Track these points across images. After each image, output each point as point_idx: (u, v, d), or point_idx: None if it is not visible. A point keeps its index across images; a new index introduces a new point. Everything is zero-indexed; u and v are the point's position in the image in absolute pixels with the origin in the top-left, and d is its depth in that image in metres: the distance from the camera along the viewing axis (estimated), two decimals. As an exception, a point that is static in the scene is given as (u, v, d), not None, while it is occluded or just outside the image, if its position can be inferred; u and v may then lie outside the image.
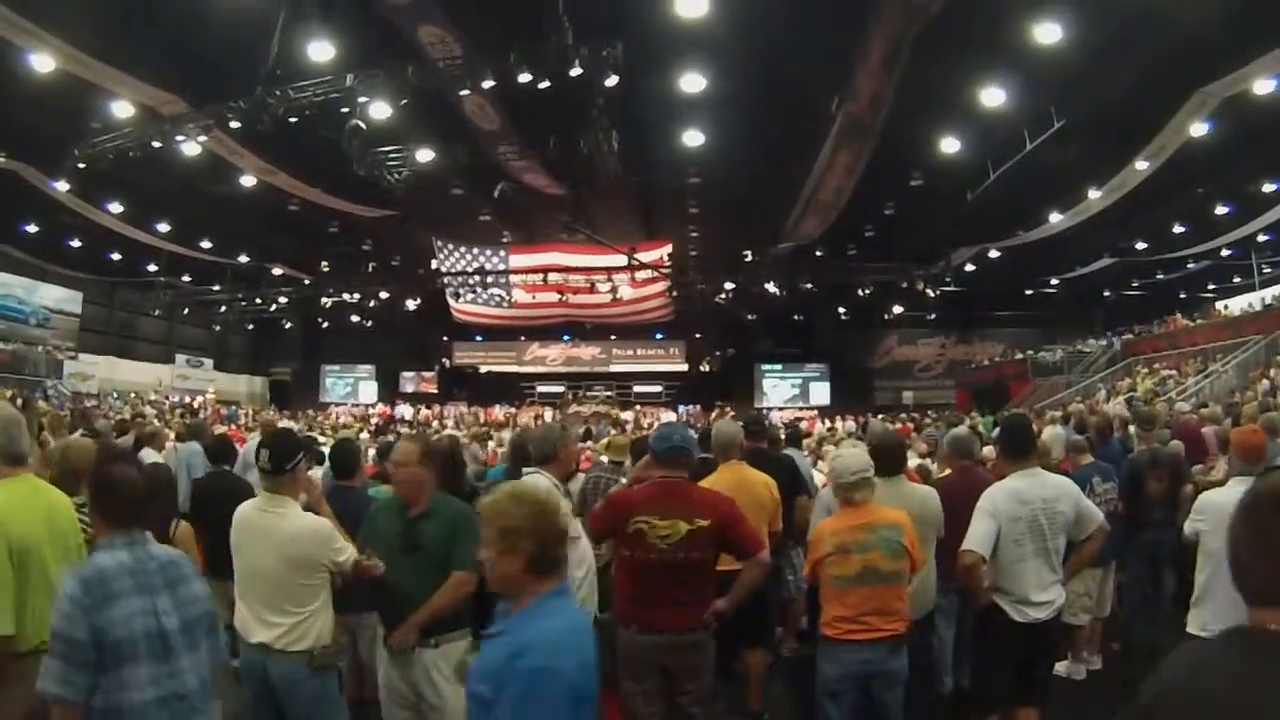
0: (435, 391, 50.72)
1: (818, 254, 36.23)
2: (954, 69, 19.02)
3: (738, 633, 6.42)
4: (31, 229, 32.30)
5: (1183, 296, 39.84)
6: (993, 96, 19.96)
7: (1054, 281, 42.13)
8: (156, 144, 20.57)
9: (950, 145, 23.37)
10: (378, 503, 5.29)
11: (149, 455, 9.14)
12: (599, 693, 2.82)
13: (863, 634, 4.97)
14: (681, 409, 45.38)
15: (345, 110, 19.33)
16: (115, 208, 28.68)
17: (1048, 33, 16.80)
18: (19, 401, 13.84)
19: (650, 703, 4.88)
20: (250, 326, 49.99)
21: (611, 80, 17.40)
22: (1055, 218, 28.65)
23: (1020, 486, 5.26)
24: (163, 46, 18.05)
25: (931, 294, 37.56)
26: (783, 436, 9.75)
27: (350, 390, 53.07)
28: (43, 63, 17.54)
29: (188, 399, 38.62)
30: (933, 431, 17.17)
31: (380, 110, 19.70)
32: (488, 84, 18.28)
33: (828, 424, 31.79)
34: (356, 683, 6.19)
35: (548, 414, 37.94)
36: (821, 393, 49.38)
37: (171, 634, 3.40)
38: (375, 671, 5.05)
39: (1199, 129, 20.34)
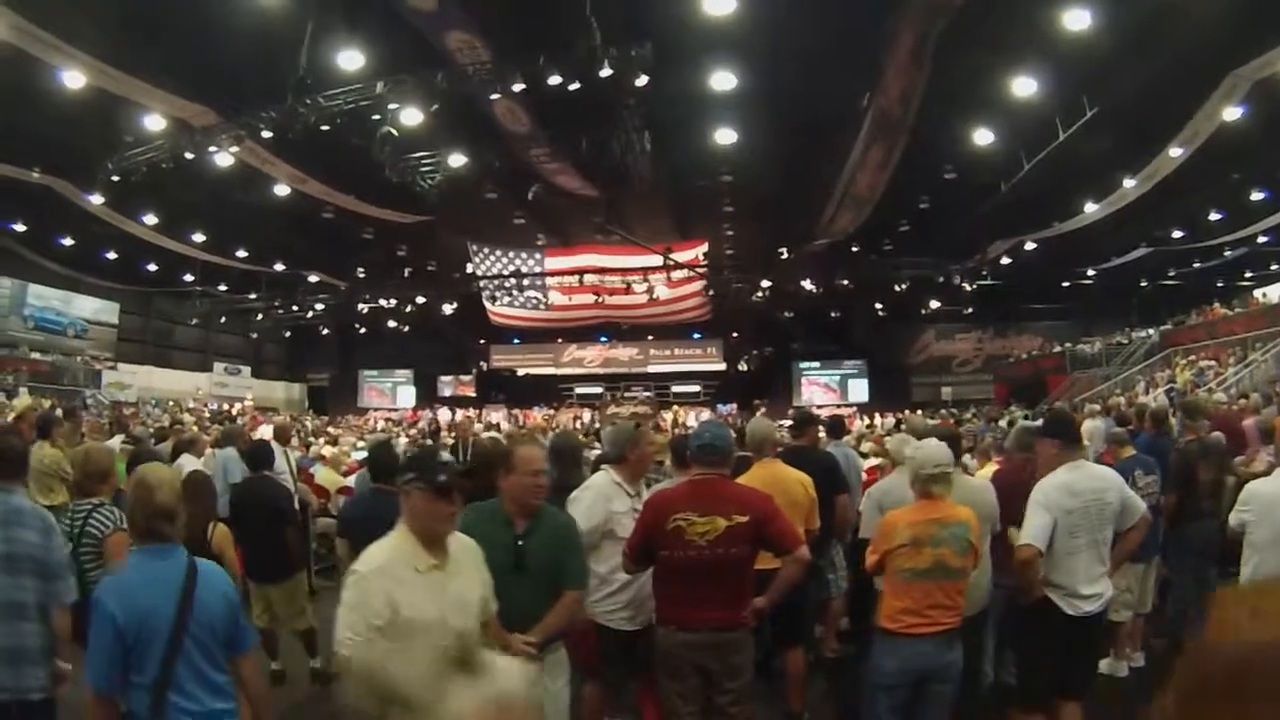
0: (473, 395, 50.77)
1: (853, 250, 36.10)
2: (984, 60, 18.87)
3: (777, 632, 6.38)
4: (67, 242, 32.72)
5: (1220, 285, 39.34)
6: (1024, 86, 19.74)
7: (1090, 273, 41.49)
8: (189, 155, 20.78)
9: (983, 137, 23.14)
10: (474, 513, 4.79)
11: (188, 461, 9.18)
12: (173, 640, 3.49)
13: (924, 627, 4.91)
14: (721, 408, 45.26)
15: (376, 117, 19.48)
16: (149, 219, 29.03)
17: (1076, 19, 16.58)
18: (58, 411, 13.90)
19: (689, 702, 4.83)
20: (287, 333, 50.34)
21: (641, 80, 17.40)
22: (1090, 208, 28.41)
23: (1071, 479, 5.21)
24: (192, 59, 18.22)
25: (968, 288, 37.41)
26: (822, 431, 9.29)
27: (389, 394, 53.47)
28: (74, 79, 17.75)
29: (226, 406, 38.87)
30: (972, 426, 17.11)
31: (411, 116, 19.82)
32: (517, 87, 18.32)
33: (866, 421, 31.72)
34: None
35: (586, 415, 38.01)
36: (859, 389, 49.15)
37: None
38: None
39: (1232, 113, 19.97)
